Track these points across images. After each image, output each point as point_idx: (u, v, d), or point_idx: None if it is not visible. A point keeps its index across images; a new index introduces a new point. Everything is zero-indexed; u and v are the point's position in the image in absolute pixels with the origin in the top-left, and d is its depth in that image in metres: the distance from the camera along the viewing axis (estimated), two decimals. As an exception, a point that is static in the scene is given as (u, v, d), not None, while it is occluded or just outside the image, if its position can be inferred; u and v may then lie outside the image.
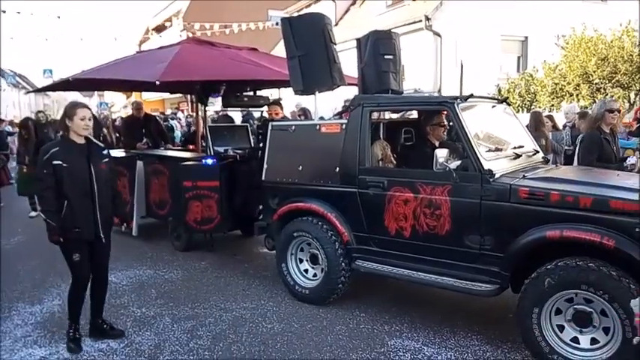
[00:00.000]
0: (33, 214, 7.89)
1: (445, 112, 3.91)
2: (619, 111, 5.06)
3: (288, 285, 4.49)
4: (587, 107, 10.74)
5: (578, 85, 11.48)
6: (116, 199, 3.93)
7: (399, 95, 4.70)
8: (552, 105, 12.06)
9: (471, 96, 3.76)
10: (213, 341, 3.76)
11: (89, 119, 3.56)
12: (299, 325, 4.00)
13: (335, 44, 4.40)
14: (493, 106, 4.24)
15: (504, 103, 4.35)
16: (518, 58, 16.41)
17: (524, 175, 3.41)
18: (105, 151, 3.76)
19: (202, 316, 4.22)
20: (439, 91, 14.17)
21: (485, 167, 3.37)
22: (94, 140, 3.74)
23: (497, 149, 3.74)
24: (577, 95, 11.57)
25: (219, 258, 5.84)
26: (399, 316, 4.12)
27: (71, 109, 3.55)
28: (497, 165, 3.47)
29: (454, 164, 3.45)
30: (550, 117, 7.71)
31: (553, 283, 3.00)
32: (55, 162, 3.44)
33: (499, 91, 13.27)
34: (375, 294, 4.58)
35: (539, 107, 11.65)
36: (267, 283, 4.98)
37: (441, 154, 3.43)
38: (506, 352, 3.50)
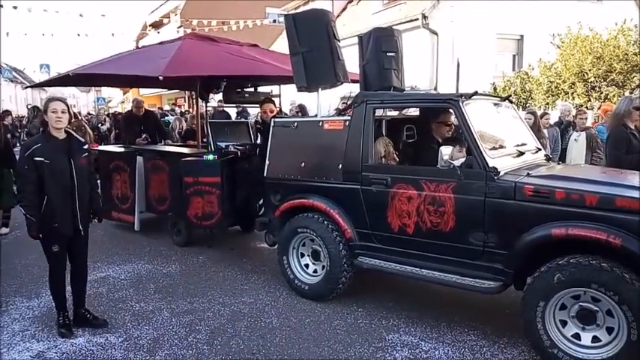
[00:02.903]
0: (4, 230, 6.77)
1: (450, 110, 3.91)
2: None
3: (287, 278, 4.49)
4: (582, 105, 10.84)
5: (574, 83, 11.57)
6: (92, 193, 3.95)
7: (403, 92, 4.70)
8: (547, 103, 12.14)
9: (476, 93, 3.76)
10: (211, 335, 3.76)
11: (62, 111, 3.57)
12: (297, 320, 4.01)
13: (339, 41, 4.38)
14: (496, 104, 4.25)
15: (507, 100, 4.36)
16: (514, 56, 16.50)
17: (528, 173, 3.42)
18: (85, 146, 3.82)
19: (201, 310, 4.22)
20: (435, 88, 14.21)
21: (490, 165, 3.37)
22: (75, 135, 3.80)
23: (500, 147, 3.74)
24: (572, 94, 11.65)
25: (217, 253, 5.83)
26: (396, 312, 4.14)
27: (45, 104, 3.63)
28: (502, 162, 3.47)
29: (458, 161, 3.46)
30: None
31: (563, 280, 3.01)
32: (37, 158, 3.50)
33: (494, 89, 13.34)
34: (373, 289, 4.59)
35: (535, 105, 11.72)
36: (265, 278, 4.99)
37: (446, 151, 3.44)
38: (503, 348, 3.52)
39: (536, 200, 3.20)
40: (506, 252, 3.32)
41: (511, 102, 4.50)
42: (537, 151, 4.17)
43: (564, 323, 3.13)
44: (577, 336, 3.10)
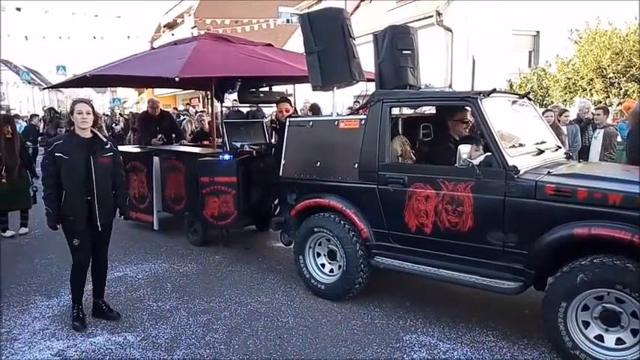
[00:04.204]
0: (8, 233, 6.66)
1: (467, 108, 3.87)
2: None
3: (304, 278, 4.49)
4: (601, 102, 10.65)
5: (592, 79, 11.38)
6: (117, 191, 4.07)
7: (419, 90, 4.66)
8: (565, 100, 11.96)
9: (494, 91, 3.71)
10: (229, 335, 3.77)
11: (87, 113, 3.78)
12: (313, 320, 4.00)
13: (354, 39, 4.35)
14: (514, 102, 4.19)
15: (526, 98, 4.30)
16: (530, 52, 16.27)
17: (549, 172, 3.36)
18: (108, 146, 3.95)
19: (217, 309, 4.23)
20: (450, 86, 14.08)
21: (510, 163, 3.32)
22: (99, 135, 3.98)
23: (520, 145, 3.68)
24: (590, 90, 11.47)
25: (233, 252, 5.85)
26: (413, 312, 4.11)
27: (72, 105, 3.87)
28: (522, 161, 3.42)
29: (477, 160, 3.41)
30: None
31: (586, 280, 2.95)
32: (57, 154, 3.73)
33: (511, 86, 13.18)
34: (389, 289, 4.56)
35: (552, 102, 11.56)
36: (281, 277, 4.99)
37: (464, 149, 3.39)
38: (523, 349, 3.47)
39: (557, 199, 3.14)
40: (527, 252, 3.27)
41: (529, 99, 4.43)
42: (557, 149, 4.10)
43: (587, 324, 3.08)
44: (600, 337, 3.04)
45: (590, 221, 3.00)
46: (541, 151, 3.78)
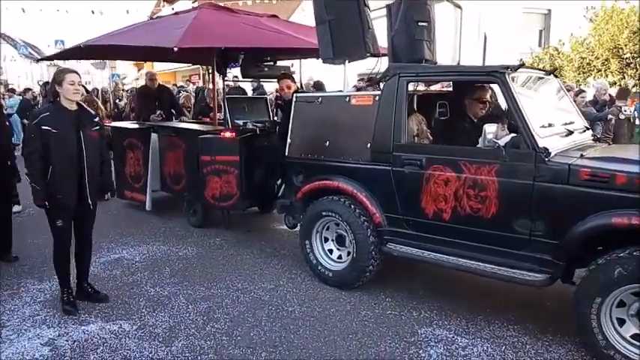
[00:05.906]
0: (17, 208, 6.39)
1: (486, 87, 3.56)
2: None
3: (310, 264, 4.25)
4: (616, 83, 10.31)
5: (607, 59, 11.01)
6: (104, 167, 3.92)
7: (438, 65, 4.34)
8: (578, 81, 11.61)
9: (522, 65, 3.40)
10: (231, 325, 3.55)
11: (79, 83, 3.56)
12: (321, 310, 3.77)
13: (369, 8, 4.02)
14: (540, 78, 3.87)
15: (552, 75, 3.98)
16: (540, 32, 15.86)
17: (581, 154, 3.08)
18: (96, 119, 3.76)
19: (219, 296, 4.01)
20: (459, 64, 13.69)
21: (540, 145, 3.03)
22: (86, 107, 3.76)
23: (549, 125, 3.38)
24: (605, 71, 11.10)
25: (234, 235, 5.62)
26: (427, 302, 3.87)
27: (59, 75, 3.56)
28: (552, 142, 3.14)
29: (503, 141, 3.12)
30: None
31: (625, 274, 2.70)
32: (45, 127, 3.46)
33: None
34: (401, 277, 4.31)
35: (565, 82, 11.21)
36: (285, 262, 4.76)
37: (490, 129, 3.11)
38: (547, 345, 3.23)
39: (592, 185, 2.87)
40: (556, 242, 3.01)
41: (556, 76, 4.11)
42: (584, 131, 3.81)
43: (622, 322, 2.84)
44: (637, 337, 2.80)
45: (630, 210, 2.72)
46: (570, 132, 3.49)
